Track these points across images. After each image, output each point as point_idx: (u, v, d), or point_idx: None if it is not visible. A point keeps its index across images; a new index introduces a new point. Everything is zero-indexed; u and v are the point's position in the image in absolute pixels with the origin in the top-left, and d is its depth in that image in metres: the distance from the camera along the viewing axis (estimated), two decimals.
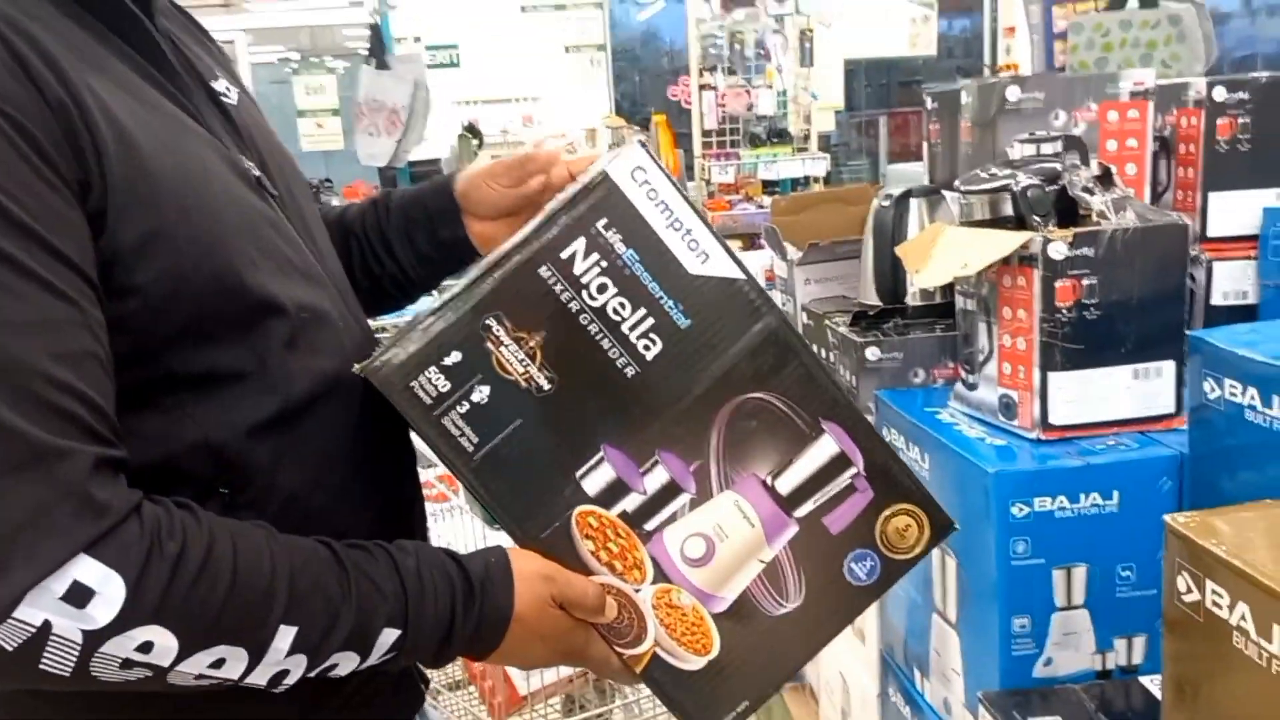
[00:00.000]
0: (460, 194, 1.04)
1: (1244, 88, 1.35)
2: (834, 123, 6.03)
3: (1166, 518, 0.72)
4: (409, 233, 1.05)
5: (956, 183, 1.32)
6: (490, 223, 1.02)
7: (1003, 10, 8.80)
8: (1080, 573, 1.08)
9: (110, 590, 0.64)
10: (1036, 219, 1.14)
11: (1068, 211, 1.18)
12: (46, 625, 0.63)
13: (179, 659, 0.68)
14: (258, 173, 0.84)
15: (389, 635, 0.77)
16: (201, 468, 0.76)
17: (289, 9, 6.82)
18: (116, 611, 0.65)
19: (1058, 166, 1.21)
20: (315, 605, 0.74)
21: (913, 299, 1.44)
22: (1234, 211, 1.39)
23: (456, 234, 1.03)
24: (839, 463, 0.90)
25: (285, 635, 0.71)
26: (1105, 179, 1.20)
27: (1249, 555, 0.64)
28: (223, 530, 0.72)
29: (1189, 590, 0.68)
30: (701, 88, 4.90)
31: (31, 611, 0.63)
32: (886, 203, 1.49)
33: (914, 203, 1.47)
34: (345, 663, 0.77)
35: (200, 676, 0.70)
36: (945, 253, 1.20)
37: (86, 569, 0.64)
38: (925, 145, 1.74)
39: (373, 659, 0.78)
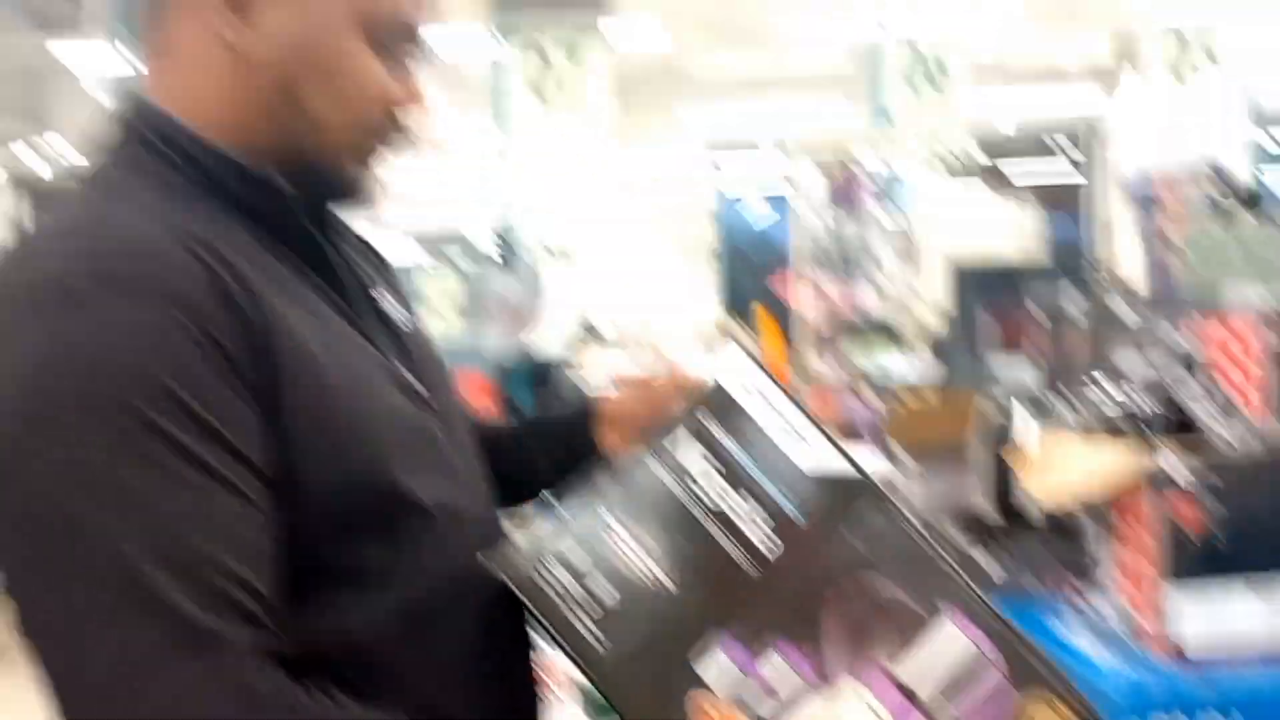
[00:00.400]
0: (598, 411, 1.11)
1: None
2: (940, 321, 6.09)
3: None
4: (549, 447, 1.12)
5: (1068, 394, 1.34)
6: (624, 436, 1.08)
7: (1101, 212, 8.89)
8: None
9: None
10: (1153, 436, 1.15)
11: (1183, 428, 1.19)
12: None
13: None
14: (416, 385, 0.91)
15: None
16: (336, 657, 0.81)
17: (421, 213, 7.32)
18: None
19: (1169, 381, 1.23)
20: None
21: (1026, 509, 1.44)
22: None
23: (592, 447, 1.10)
24: (962, 646, 0.88)
25: None
26: (1218, 396, 1.21)
27: None
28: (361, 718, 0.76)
29: None
30: (806, 284, 5.02)
31: None
32: (996, 410, 1.51)
33: (1024, 411, 1.49)
34: None
35: None
36: (1062, 469, 1.21)
37: None
38: (1034, 353, 1.77)
39: None
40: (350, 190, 0.88)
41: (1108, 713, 1.03)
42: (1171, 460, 1.10)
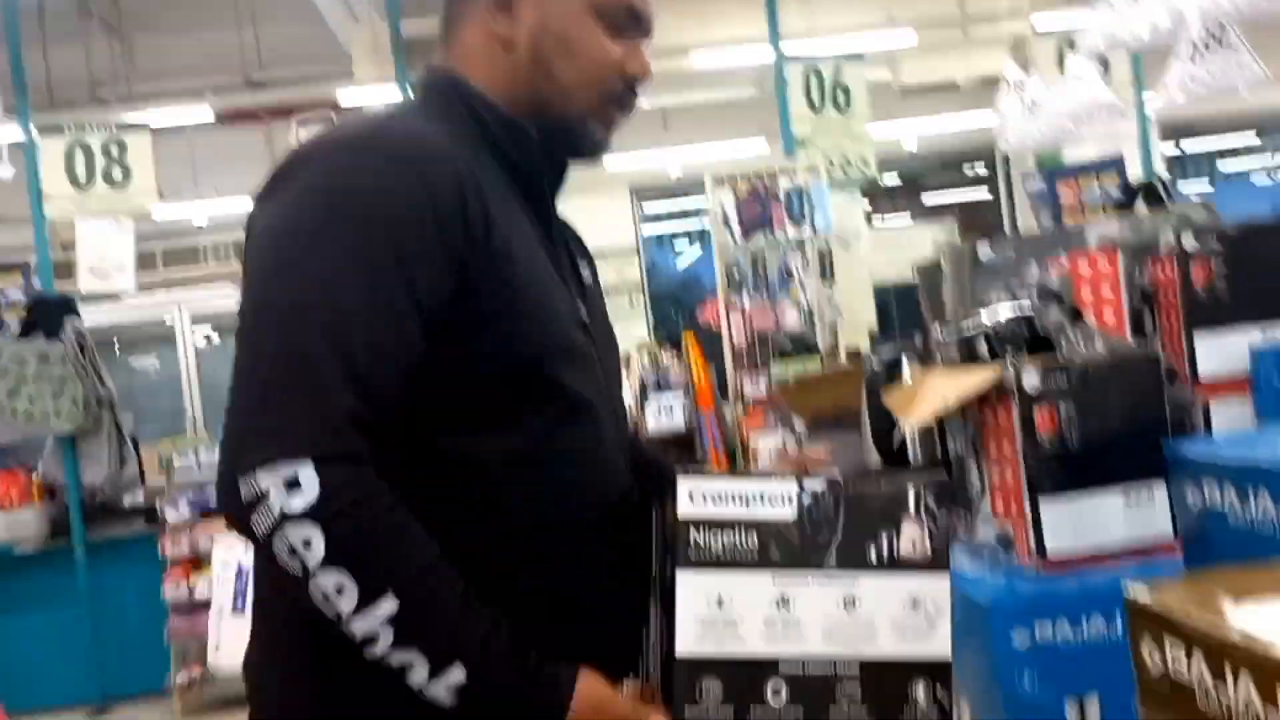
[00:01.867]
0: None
1: (1213, 235, 1.40)
2: (869, 344, 6.15)
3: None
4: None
5: (944, 338, 1.37)
6: None
7: (1016, 223, 9.12)
8: (1094, 703, 1.04)
9: (310, 493, 0.87)
10: (1009, 352, 1.18)
11: (1044, 348, 1.22)
12: (267, 492, 0.86)
13: (320, 568, 0.87)
14: (586, 321, 1.06)
15: (458, 673, 0.90)
16: (466, 477, 0.96)
17: None
18: (303, 508, 0.86)
19: (1029, 306, 1.26)
20: (428, 602, 0.90)
21: (912, 451, 1.46)
22: (1222, 353, 1.40)
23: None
24: None
25: (390, 603, 0.88)
26: (1075, 317, 1.24)
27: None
28: (406, 518, 0.90)
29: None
30: (729, 309, 5.06)
31: (266, 478, 0.86)
32: (878, 366, 1.53)
33: (906, 363, 1.52)
34: (417, 667, 0.89)
35: (325, 597, 0.87)
36: (928, 395, 1.23)
37: (308, 472, 0.87)
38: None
39: (438, 687, 0.90)
40: (590, 147, 1.09)
41: (985, 624, 1.04)
42: (1025, 370, 1.12)
